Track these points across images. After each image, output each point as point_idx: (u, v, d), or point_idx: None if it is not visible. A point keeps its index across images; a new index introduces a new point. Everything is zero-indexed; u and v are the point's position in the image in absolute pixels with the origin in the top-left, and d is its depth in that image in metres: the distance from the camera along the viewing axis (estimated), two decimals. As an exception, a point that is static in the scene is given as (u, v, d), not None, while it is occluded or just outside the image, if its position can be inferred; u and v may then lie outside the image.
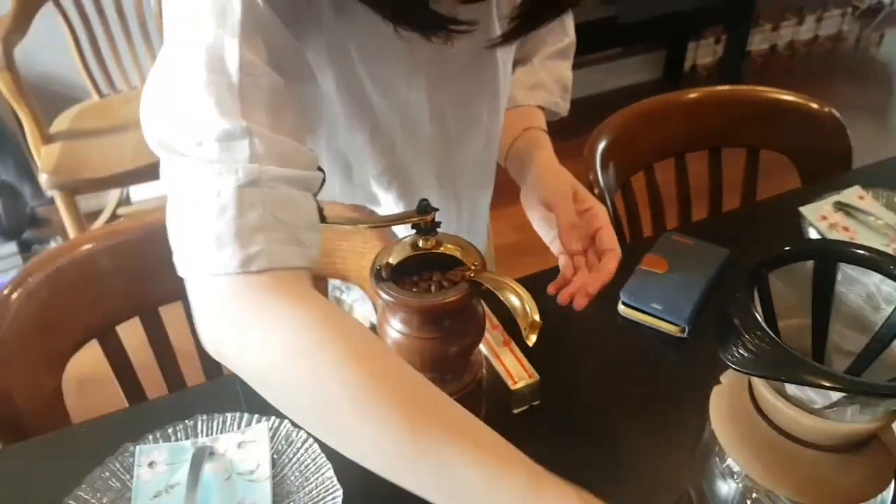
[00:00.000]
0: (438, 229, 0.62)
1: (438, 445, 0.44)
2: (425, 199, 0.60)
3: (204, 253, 0.47)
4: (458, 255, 0.62)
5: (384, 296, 0.59)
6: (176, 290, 0.86)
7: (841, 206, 1.00)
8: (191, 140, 0.48)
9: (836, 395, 0.48)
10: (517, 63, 0.86)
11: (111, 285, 0.83)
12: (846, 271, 0.54)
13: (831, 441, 0.51)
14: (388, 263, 0.61)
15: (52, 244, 2.16)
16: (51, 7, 1.84)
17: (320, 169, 0.55)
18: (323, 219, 0.58)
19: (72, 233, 1.78)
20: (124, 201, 2.22)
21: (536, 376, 0.74)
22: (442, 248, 0.62)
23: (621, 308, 0.85)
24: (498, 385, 0.74)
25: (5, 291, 0.75)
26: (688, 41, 3.09)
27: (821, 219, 0.98)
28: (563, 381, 0.76)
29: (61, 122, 1.87)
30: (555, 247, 0.75)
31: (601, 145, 1.11)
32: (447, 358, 0.62)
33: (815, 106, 1.16)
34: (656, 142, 1.17)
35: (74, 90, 2.11)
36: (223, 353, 0.49)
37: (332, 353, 0.46)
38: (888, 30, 3.55)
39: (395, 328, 0.61)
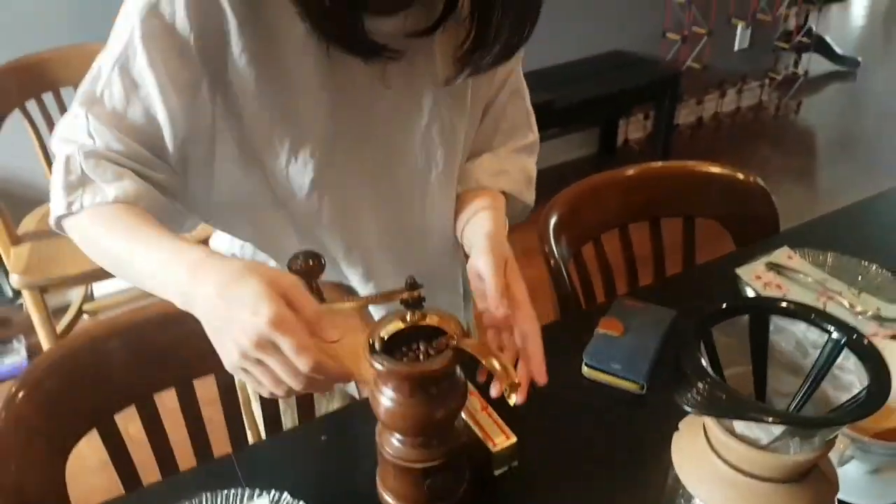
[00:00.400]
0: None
1: (127, 256, 0.67)
2: (412, 276, 0.68)
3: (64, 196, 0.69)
4: (441, 325, 0.69)
5: (377, 366, 0.65)
6: (169, 379, 0.92)
7: (772, 266, 1.11)
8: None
9: (777, 430, 0.57)
10: (481, 153, 0.93)
11: (108, 376, 0.87)
12: (777, 322, 0.63)
13: (778, 473, 0.59)
14: (380, 337, 0.68)
15: (14, 344, 2.15)
16: (16, 112, 1.91)
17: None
18: (322, 300, 0.65)
19: (40, 330, 1.79)
20: (88, 298, 2.23)
21: (514, 438, 0.80)
22: (427, 320, 0.69)
23: (585, 370, 0.93)
24: (479, 448, 0.80)
25: (13, 389, 0.79)
26: (619, 118, 3.31)
27: (755, 278, 1.09)
28: (538, 440, 0.83)
29: (27, 224, 1.91)
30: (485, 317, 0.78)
31: (552, 220, 1.21)
32: (434, 422, 0.69)
33: (741, 176, 1.30)
34: (601, 215, 1.28)
35: (36, 192, 2.15)
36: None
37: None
38: (805, 98, 3.85)
39: (388, 396, 0.68)
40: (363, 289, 0.90)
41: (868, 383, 0.55)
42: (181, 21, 0.66)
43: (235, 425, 1.00)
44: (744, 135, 3.60)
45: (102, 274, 1.76)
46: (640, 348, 0.93)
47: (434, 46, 0.78)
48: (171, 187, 0.74)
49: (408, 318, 0.69)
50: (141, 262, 0.66)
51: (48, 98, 1.98)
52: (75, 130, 0.70)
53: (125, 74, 0.69)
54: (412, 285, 0.67)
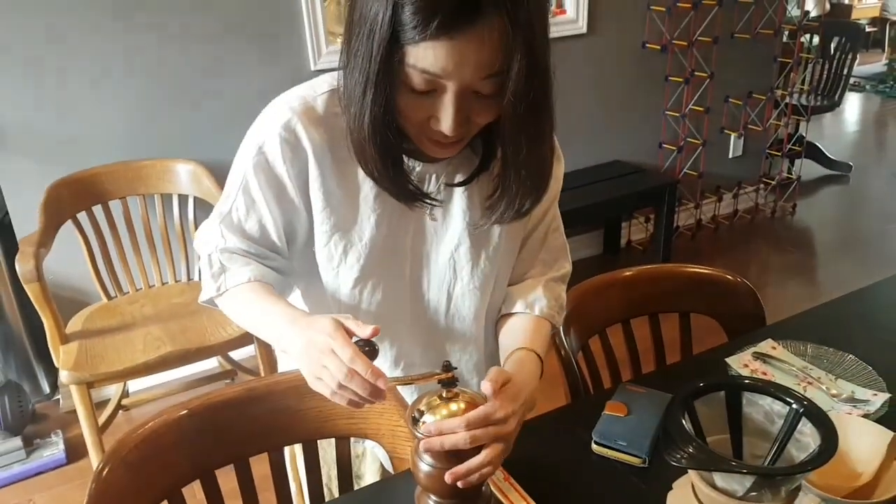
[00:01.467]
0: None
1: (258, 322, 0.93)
2: (447, 360, 0.82)
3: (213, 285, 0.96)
4: (473, 402, 0.83)
5: (419, 436, 0.79)
6: (227, 457, 1.04)
7: (758, 356, 1.25)
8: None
9: (748, 482, 0.70)
10: (523, 278, 1.09)
11: (179, 454, 1.01)
12: (748, 397, 0.77)
13: (753, 520, 0.71)
14: (420, 411, 0.82)
15: (53, 437, 2.26)
16: (68, 223, 2.11)
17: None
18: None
19: (84, 422, 1.91)
20: (125, 394, 2.36)
21: (533, 503, 0.92)
22: (460, 398, 0.83)
23: (594, 446, 1.06)
24: None
25: (99, 468, 0.93)
26: (621, 221, 3.52)
27: (743, 366, 1.22)
28: (554, 507, 0.95)
29: (75, 324, 2.06)
30: None
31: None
32: (465, 485, 0.81)
33: (729, 277, 1.45)
34: (605, 311, 1.42)
35: (83, 294, 2.33)
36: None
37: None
38: (799, 200, 4.05)
39: (426, 461, 0.81)
40: (392, 370, 1.05)
41: (820, 442, 0.69)
42: (279, 167, 0.91)
43: (284, 495, 1.12)
44: (742, 236, 3.78)
45: (147, 370, 1.91)
46: (642, 427, 1.06)
47: (469, 191, 0.96)
48: (282, 267, 1.00)
49: (443, 394, 0.83)
50: (267, 326, 0.91)
51: (97, 210, 2.19)
52: (212, 236, 0.96)
53: (246, 195, 0.94)
54: (447, 367, 0.82)
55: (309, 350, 0.80)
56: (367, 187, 0.93)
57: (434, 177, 0.94)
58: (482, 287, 1.03)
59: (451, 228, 0.99)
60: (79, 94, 2.24)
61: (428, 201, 0.91)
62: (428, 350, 1.07)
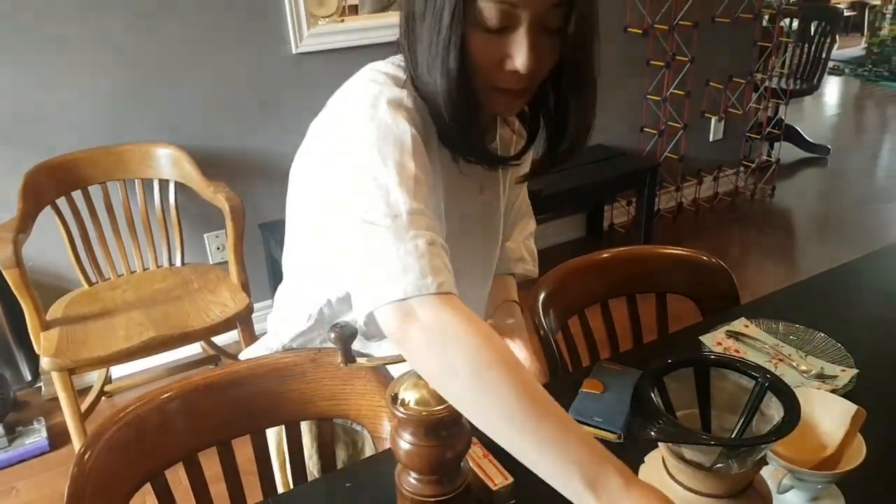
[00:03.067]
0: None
1: (557, 432, 0.65)
2: None
3: (407, 283, 0.69)
4: None
5: (398, 413, 0.80)
6: (211, 440, 1.06)
7: (731, 334, 1.27)
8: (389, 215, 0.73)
9: (715, 453, 0.72)
10: (505, 240, 1.18)
11: (163, 437, 1.02)
12: (715, 372, 0.79)
13: (721, 490, 0.74)
14: (400, 390, 0.83)
15: (35, 425, 2.26)
16: (47, 208, 2.10)
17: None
18: (353, 360, 0.81)
19: (66, 409, 1.91)
20: (107, 380, 2.37)
21: (511, 479, 0.94)
22: None
23: (570, 424, 1.08)
24: (482, 488, 0.94)
25: (81, 451, 0.94)
26: (604, 205, 3.54)
27: (716, 344, 1.25)
28: (531, 482, 0.97)
29: (56, 310, 2.06)
30: None
31: (541, 297, 1.37)
32: (444, 461, 0.83)
33: (705, 258, 1.47)
34: (584, 292, 1.44)
35: (63, 281, 2.32)
36: (427, 372, 0.72)
37: (496, 373, 0.67)
38: (779, 183, 4.10)
39: (406, 439, 0.82)
40: None
41: (783, 414, 0.71)
42: (409, 132, 0.79)
43: (267, 477, 1.13)
44: (722, 218, 3.82)
45: (129, 355, 1.91)
46: (618, 404, 1.08)
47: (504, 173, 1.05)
48: None
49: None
50: (560, 438, 0.66)
51: (77, 195, 2.18)
52: (417, 214, 0.74)
53: (408, 179, 0.76)
54: None
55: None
56: (443, 164, 0.90)
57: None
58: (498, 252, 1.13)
59: (496, 204, 1.06)
60: (57, 79, 2.22)
61: (508, 162, 0.94)
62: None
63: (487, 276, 1.14)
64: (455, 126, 0.82)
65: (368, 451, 1.17)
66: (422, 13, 0.77)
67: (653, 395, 0.75)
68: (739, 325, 1.29)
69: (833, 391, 1.10)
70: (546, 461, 0.65)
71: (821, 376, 1.15)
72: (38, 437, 2.23)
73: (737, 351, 1.23)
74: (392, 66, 0.87)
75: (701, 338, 1.25)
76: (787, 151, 4.36)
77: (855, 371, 1.15)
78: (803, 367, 1.17)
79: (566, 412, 0.68)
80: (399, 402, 0.82)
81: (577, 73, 0.85)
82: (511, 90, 0.82)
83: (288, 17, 2.46)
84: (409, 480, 0.86)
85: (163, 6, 2.29)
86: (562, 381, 1.28)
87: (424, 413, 0.81)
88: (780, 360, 1.20)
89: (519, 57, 0.77)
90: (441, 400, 0.81)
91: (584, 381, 1.13)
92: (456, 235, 0.91)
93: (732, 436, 0.77)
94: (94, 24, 2.22)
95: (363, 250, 0.73)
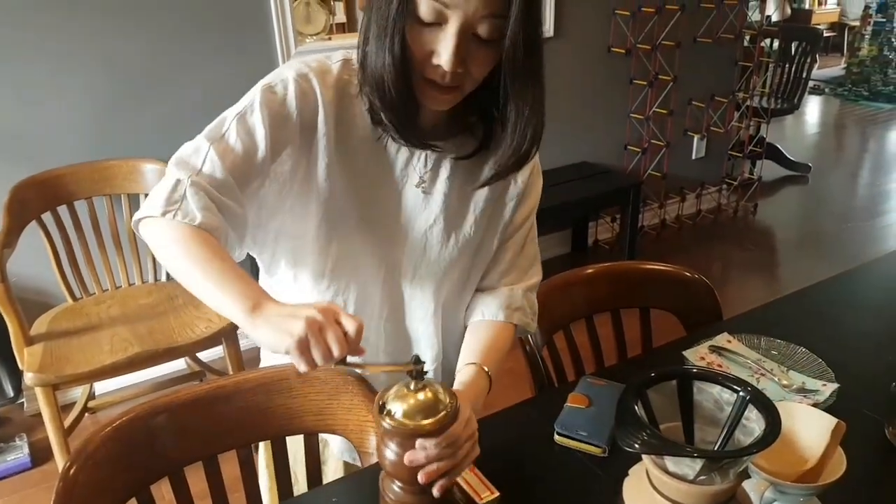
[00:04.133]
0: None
1: (199, 280, 0.83)
2: (416, 354, 0.84)
3: (163, 206, 0.86)
4: (438, 395, 0.85)
5: (385, 424, 0.81)
6: (196, 455, 1.05)
7: (714, 349, 1.29)
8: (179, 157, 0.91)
9: (698, 465, 0.73)
10: (499, 285, 1.13)
11: (148, 452, 1.02)
12: (698, 385, 0.81)
13: (704, 502, 0.75)
14: (387, 400, 0.84)
15: (17, 441, 2.24)
16: (33, 223, 2.09)
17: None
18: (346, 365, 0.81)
19: (50, 425, 1.90)
20: (91, 396, 2.35)
21: (497, 493, 0.95)
22: (426, 390, 0.85)
23: (556, 437, 1.09)
24: (468, 501, 0.95)
25: (67, 465, 0.93)
26: (588, 221, 3.57)
27: (700, 359, 1.27)
28: (517, 495, 0.98)
29: (40, 325, 2.04)
30: None
31: (527, 314, 1.39)
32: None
33: (688, 274, 1.49)
34: (569, 307, 1.46)
35: (47, 296, 2.30)
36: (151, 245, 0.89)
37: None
38: (761, 200, 4.15)
39: (392, 450, 0.83)
40: None
41: (764, 427, 0.72)
42: (290, 100, 0.92)
43: (253, 494, 1.13)
44: (705, 235, 3.86)
45: (113, 371, 1.90)
46: (603, 418, 1.09)
47: (452, 179, 1.03)
48: (238, 218, 0.92)
49: (411, 386, 0.85)
50: (210, 291, 0.82)
51: (62, 210, 2.17)
52: (195, 157, 0.89)
53: (242, 123, 0.91)
54: (417, 360, 0.84)
55: (287, 327, 0.76)
56: (363, 152, 0.98)
57: (431, 157, 1.01)
58: (445, 270, 1.07)
59: (429, 206, 1.03)
60: (43, 94, 2.22)
61: (431, 145, 0.97)
62: (388, 321, 1.09)
63: (425, 270, 1.07)
64: (392, 102, 0.90)
65: (332, 465, 1.18)
66: (379, 5, 0.86)
67: (636, 407, 0.76)
68: (722, 339, 1.31)
69: (814, 405, 1.11)
70: (219, 295, 0.81)
71: (802, 391, 1.17)
72: (19, 453, 2.20)
73: (720, 366, 1.25)
74: (340, 54, 0.99)
75: (684, 352, 1.27)
76: (768, 169, 4.42)
77: (835, 385, 1.17)
78: (785, 382, 1.19)
79: (238, 268, 0.84)
80: (386, 412, 0.83)
81: (516, 84, 0.90)
82: (437, 84, 0.89)
83: (276, 34, 2.48)
84: (394, 489, 0.87)
85: (150, 21, 2.30)
86: (547, 395, 1.29)
87: (410, 425, 0.82)
88: (763, 374, 1.22)
89: (443, 53, 0.85)
90: (428, 414, 0.82)
91: (570, 395, 1.14)
92: (367, 211, 1.00)
93: (715, 448, 0.78)
94: (81, 38, 2.22)
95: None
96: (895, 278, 1.64)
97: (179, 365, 2.54)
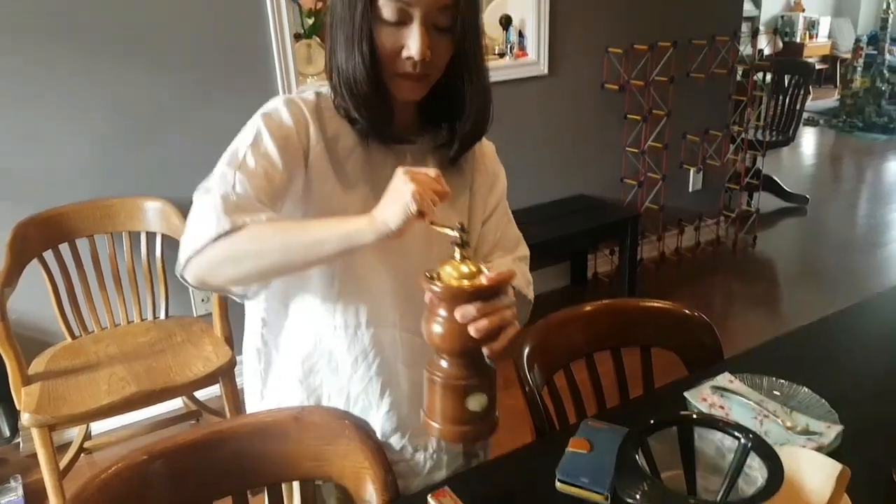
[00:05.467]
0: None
1: (307, 236, 0.88)
2: (462, 222, 0.85)
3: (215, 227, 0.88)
4: (482, 267, 0.86)
5: (435, 289, 0.82)
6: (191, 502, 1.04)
7: (716, 389, 1.28)
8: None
9: (701, 517, 0.72)
10: (491, 258, 1.18)
11: (138, 501, 1.00)
12: (699, 432, 0.80)
13: (708, 553, 0.74)
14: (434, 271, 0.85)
15: (12, 483, 2.21)
16: (34, 261, 2.09)
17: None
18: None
19: (45, 466, 1.87)
20: (87, 436, 2.32)
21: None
22: (470, 262, 0.85)
23: (558, 484, 1.07)
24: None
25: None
26: (587, 254, 3.58)
27: (702, 400, 1.25)
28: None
29: (38, 364, 2.03)
30: None
31: (525, 351, 1.37)
32: (473, 341, 0.83)
33: (687, 311, 1.49)
34: (568, 345, 1.45)
35: (45, 335, 2.29)
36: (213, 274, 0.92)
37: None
38: (759, 232, 4.16)
39: (441, 316, 0.83)
40: (366, 327, 1.10)
41: (766, 476, 0.72)
42: (287, 120, 1.00)
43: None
44: (705, 267, 3.86)
45: (110, 411, 1.88)
46: (605, 463, 1.08)
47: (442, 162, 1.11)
48: None
49: (457, 256, 0.85)
50: (321, 232, 0.88)
51: (63, 247, 2.17)
52: (222, 183, 0.93)
53: (256, 148, 0.97)
54: (462, 228, 0.85)
55: (385, 198, 0.85)
56: (352, 162, 1.05)
57: (415, 156, 1.08)
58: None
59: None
60: (47, 132, 2.24)
61: (407, 140, 1.06)
62: (404, 329, 1.11)
63: (405, 269, 1.10)
64: (368, 104, 0.99)
65: None
66: (341, 17, 0.97)
67: (637, 456, 0.75)
68: (724, 380, 1.30)
69: (819, 448, 1.10)
70: (328, 239, 0.87)
71: (807, 433, 1.16)
72: (13, 495, 2.18)
73: (722, 407, 1.24)
74: (311, 89, 1.07)
75: (686, 394, 1.26)
76: (766, 201, 4.44)
77: (840, 427, 1.15)
78: (788, 424, 1.18)
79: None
80: (435, 276, 0.84)
81: (467, 62, 1.02)
82: (410, 75, 0.99)
83: (277, 74, 2.50)
84: (440, 365, 0.87)
85: (154, 62, 2.33)
86: (548, 439, 1.27)
87: (464, 285, 0.82)
88: (766, 416, 1.20)
89: (413, 45, 0.95)
90: (473, 276, 0.84)
91: (571, 440, 1.13)
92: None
93: (718, 499, 0.77)
94: (85, 78, 2.25)
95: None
96: (896, 314, 1.63)
97: (176, 404, 2.52)
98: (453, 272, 0.84)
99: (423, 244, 1.07)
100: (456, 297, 0.83)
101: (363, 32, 0.95)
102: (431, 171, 0.86)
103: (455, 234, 0.84)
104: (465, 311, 0.81)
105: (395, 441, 1.15)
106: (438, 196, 0.84)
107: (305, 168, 1.01)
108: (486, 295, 0.83)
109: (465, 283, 0.83)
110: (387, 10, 0.94)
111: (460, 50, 1.01)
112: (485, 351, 0.84)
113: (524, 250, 1.23)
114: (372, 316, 1.08)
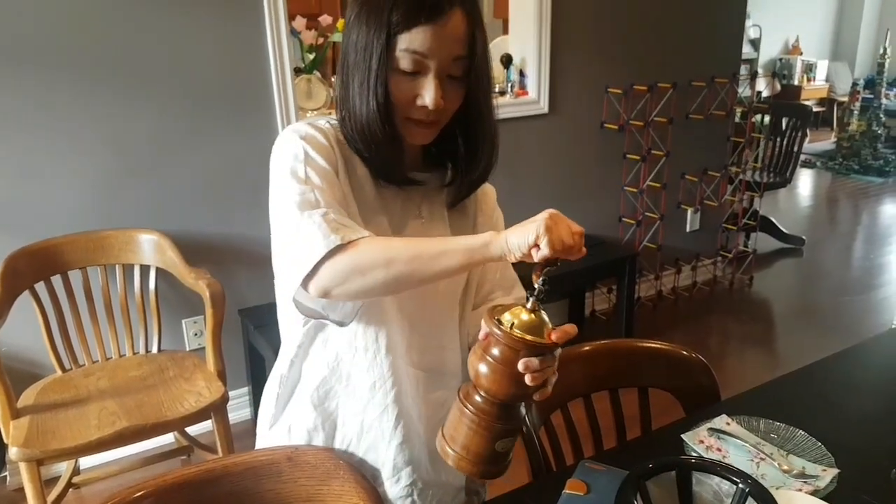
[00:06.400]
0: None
1: (432, 248, 0.89)
2: (545, 277, 0.87)
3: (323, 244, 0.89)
4: (545, 320, 0.88)
5: (496, 330, 0.84)
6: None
7: (713, 432, 1.27)
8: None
9: (699, 564, 0.71)
10: (490, 299, 1.19)
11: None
12: (697, 476, 0.79)
13: None
14: (500, 313, 0.88)
15: (-3, 519, 2.17)
16: (24, 294, 2.07)
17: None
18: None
19: (33, 502, 1.84)
20: (76, 471, 2.29)
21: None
22: (540, 313, 0.87)
23: (553, 526, 1.06)
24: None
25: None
26: (584, 292, 3.57)
27: (699, 442, 1.24)
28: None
29: (27, 397, 2.01)
30: None
31: (523, 392, 1.37)
32: (521, 391, 0.85)
33: (685, 353, 1.48)
34: (566, 385, 1.43)
35: (36, 367, 2.27)
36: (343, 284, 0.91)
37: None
38: (756, 273, 4.16)
39: (492, 356, 0.85)
40: (385, 357, 1.08)
41: (766, 523, 0.70)
42: (321, 139, 1.02)
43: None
44: (701, 307, 3.85)
45: (100, 446, 1.85)
46: (601, 506, 1.06)
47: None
48: None
49: (528, 306, 0.87)
50: (446, 245, 0.89)
51: (56, 279, 2.16)
52: (304, 203, 0.93)
53: (312, 164, 0.98)
54: (544, 282, 0.87)
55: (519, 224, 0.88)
56: (370, 191, 1.06)
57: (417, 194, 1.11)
58: (457, 291, 1.16)
59: (436, 227, 1.12)
60: (42, 164, 2.25)
61: (414, 182, 1.08)
62: (417, 339, 1.11)
63: (444, 299, 1.14)
64: (379, 147, 1.01)
65: None
66: (355, 61, 0.99)
67: (636, 502, 0.74)
68: (721, 422, 1.29)
69: (815, 492, 1.09)
70: (454, 250, 0.88)
71: (802, 476, 1.14)
72: (-2, 531, 2.13)
73: (719, 449, 1.22)
74: (324, 119, 1.08)
75: (683, 436, 1.25)
76: (763, 242, 4.45)
77: (836, 471, 1.14)
78: (785, 467, 1.16)
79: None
80: (500, 321, 0.86)
81: (479, 109, 1.05)
82: (423, 121, 1.01)
83: (277, 108, 2.52)
84: (478, 401, 0.89)
85: (152, 97, 2.34)
86: (545, 481, 1.26)
87: (526, 337, 0.84)
88: (762, 458, 1.19)
89: (427, 95, 0.97)
90: (536, 333, 0.86)
91: (568, 481, 1.11)
92: None
93: (716, 544, 0.76)
94: (83, 110, 2.26)
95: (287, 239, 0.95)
96: (894, 358, 1.63)
97: (167, 439, 2.48)
98: (514, 318, 0.87)
99: None
100: (528, 348, 0.85)
101: (378, 80, 0.96)
102: (578, 228, 0.89)
103: (539, 286, 0.87)
104: (530, 364, 0.84)
105: (406, 476, 1.12)
106: (569, 247, 0.87)
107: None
108: (547, 350, 0.86)
109: (534, 337, 0.85)
110: (404, 61, 0.96)
111: (472, 97, 1.03)
112: (536, 397, 0.88)
113: (521, 291, 1.24)
114: (390, 343, 1.08)
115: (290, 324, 1.10)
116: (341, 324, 1.05)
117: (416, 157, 1.10)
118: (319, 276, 0.90)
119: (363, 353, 1.07)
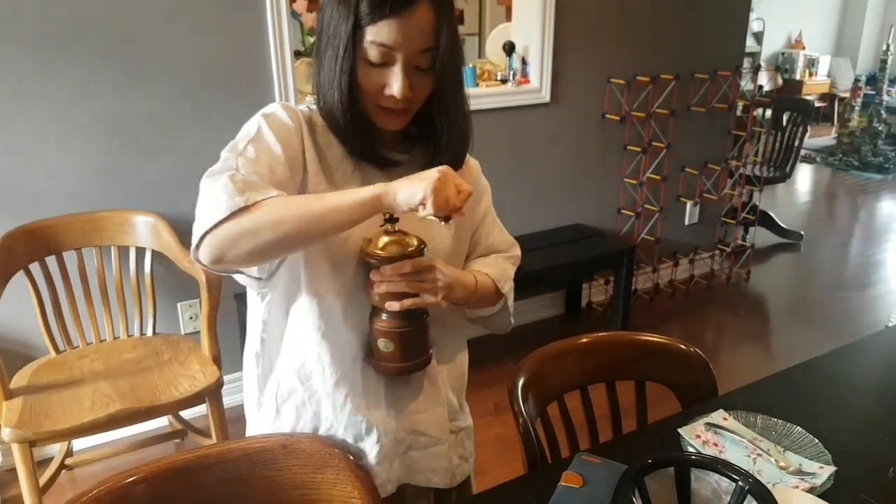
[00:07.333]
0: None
1: (322, 205, 0.91)
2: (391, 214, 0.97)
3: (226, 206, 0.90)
4: (406, 237, 1.01)
5: (372, 262, 0.98)
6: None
7: (710, 426, 1.26)
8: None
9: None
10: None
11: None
12: (696, 473, 0.78)
13: None
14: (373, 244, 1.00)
15: (-11, 499, 2.16)
16: (19, 273, 2.06)
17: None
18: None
19: (25, 483, 1.83)
20: (69, 452, 2.28)
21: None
22: (399, 234, 1.00)
23: (548, 519, 1.05)
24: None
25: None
26: (582, 283, 3.56)
27: (695, 437, 1.24)
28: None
29: (20, 378, 2.00)
30: None
31: (520, 383, 1.36)
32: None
33: (683, 347, 1.47)
34: (563, 377, 1.43)
35: (29, 348, 2.26)
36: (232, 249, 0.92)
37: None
38: (754, 267, 4.16)
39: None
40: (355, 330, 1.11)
41: (765, 522, 0.70)
42: (286, 119, 1.04)
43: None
44: (699, 301, 3.85)
45: (93, 428, 1.85)
46: (597, 499, 1.05)
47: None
48: None
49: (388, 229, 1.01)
50: (336, 201, 0.92)
51: (50, 260, 2.14)
52: (225, 167, 0.96)
53: (258, 143, 1.01)
54: (391, 218, 1.00)
55: (409, 176, 0.92)
56: (345, 171, 1.08)
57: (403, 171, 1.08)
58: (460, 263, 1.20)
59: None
60: (38, 144, 2.22)
61: (391, 162, 1.09)
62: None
63: None
64: (349, 130, 1.04)
65: None
66: (325, 48, 1.02)
67: (634, 498, 0.73)
68: (718, 417, 1.28)
69: (811, 489, 1.08)
70: (343, 206, 0.91)
71: (799, 473, 1.14)
72: (-10, 511, 2.13)
73: (716, 444, 1.22)
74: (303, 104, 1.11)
75: (680, 430, 1.24)
76: (761, 236, 4.44)
77: (832, 468, 1.14)
78: (782, 464, 1.16)
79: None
80: (373, 245, 1.00)
81: (447, 99, 1.07)
82: (392, 109, 1.04)
83: (276, 91, 2.50)
84: (381, 317, 1.03)
85: (151, 79, 2.32)
86: (540, 473, 1.25)
87: (378, 253, 0.99)
88: (759, 454, 1.19)
89: (395, 85, 1.00)
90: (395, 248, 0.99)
91: (563, 474, 1.11)
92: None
93: (714, 541, 0.75)
94: (80, 91, 2.23)
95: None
96: (892, 355, 1.62)
97: (161, 422, 2.47)
98: (382, 239, 1.01)
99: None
100: (379, 260, 0.99)
101: (343, 69, 0.99)
102: (466, 187, 0.92)
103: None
104: (375, 276, 0.99)
105: (375, 438, 1.11)
106: (454, 207, 0.91)
107: (304, 168, 1.04)
108: (387, 261, 0.99)
109: (378, 251, 1.00)
110: (371, 52, 0.98)
111: (440, 87, 1.05)
112: (406, 304, 1.00)
113: (516, 251, 1.30)
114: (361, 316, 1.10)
115: (251, 299, 1.13)
116: (260, 282, 1.06)
117: (394, 137, 1.12)
118: (214, 237, 0.90)
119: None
